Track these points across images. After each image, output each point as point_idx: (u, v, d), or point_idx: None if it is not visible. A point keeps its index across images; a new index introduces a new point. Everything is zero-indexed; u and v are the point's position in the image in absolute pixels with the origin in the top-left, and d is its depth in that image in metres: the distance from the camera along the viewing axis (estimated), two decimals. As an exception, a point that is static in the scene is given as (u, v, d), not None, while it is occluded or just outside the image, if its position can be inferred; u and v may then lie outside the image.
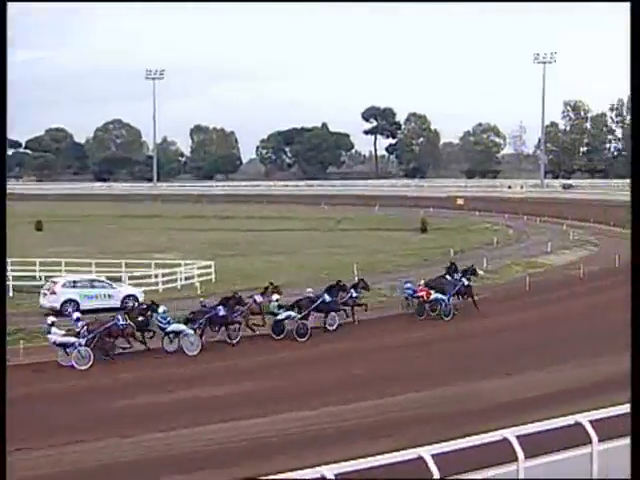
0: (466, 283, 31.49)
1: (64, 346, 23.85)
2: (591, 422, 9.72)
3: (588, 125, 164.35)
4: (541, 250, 46.98)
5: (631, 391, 9.93)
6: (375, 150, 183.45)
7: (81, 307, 30.76)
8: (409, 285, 30.97)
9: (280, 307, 27.53)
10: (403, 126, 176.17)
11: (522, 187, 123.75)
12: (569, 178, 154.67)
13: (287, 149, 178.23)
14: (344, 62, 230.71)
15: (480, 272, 38.43)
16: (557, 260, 40.35)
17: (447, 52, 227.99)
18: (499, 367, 21.61)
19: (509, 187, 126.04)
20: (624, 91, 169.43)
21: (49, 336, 24.28)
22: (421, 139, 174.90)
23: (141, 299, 31.60)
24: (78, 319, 24.98)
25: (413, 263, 43.90)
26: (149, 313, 25.80)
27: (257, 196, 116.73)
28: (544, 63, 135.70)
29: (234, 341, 26.58)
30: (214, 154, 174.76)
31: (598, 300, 32.87)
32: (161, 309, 26.12)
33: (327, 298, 28.04)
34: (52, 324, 24.43)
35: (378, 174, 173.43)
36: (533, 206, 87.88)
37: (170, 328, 25.56)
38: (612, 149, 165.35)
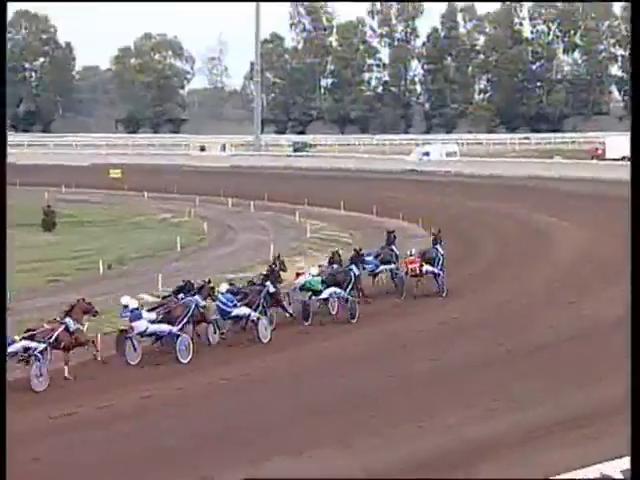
0: (442, 252, 41.63)
1: (154, 337, 30.82)
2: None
3: (334, 40, 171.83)
4: (258, 258, 48.33)
5: (631, 391, 15.78)
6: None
7: None
8: (369, 259, 40.93)
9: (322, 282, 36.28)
10: (9, 34, 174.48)
11: (225, 148, 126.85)
12: (303, 132, 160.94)
13: None
14: None
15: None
16: (287, 275, 41.25)
17: None
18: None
19: (202, 149, 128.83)
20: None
21: (136, 324, 30.13)
22: (41, 60, 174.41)
23: None
24: (138, 309, 30.56)
25: (28, 287, 43.16)
26: (215, 293, 33.21)
27: None
28: None
29: (272, 326, 34.17)
30: None
31: (338, 346, 33.72)
32: (224, 287, 33.27)
33: (355, 271, 37.92)
34: (140, 307, 30.76)
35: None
36: (244, 181, 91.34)
37: (235, 312, 33.00)
38: (374, 82, 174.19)
